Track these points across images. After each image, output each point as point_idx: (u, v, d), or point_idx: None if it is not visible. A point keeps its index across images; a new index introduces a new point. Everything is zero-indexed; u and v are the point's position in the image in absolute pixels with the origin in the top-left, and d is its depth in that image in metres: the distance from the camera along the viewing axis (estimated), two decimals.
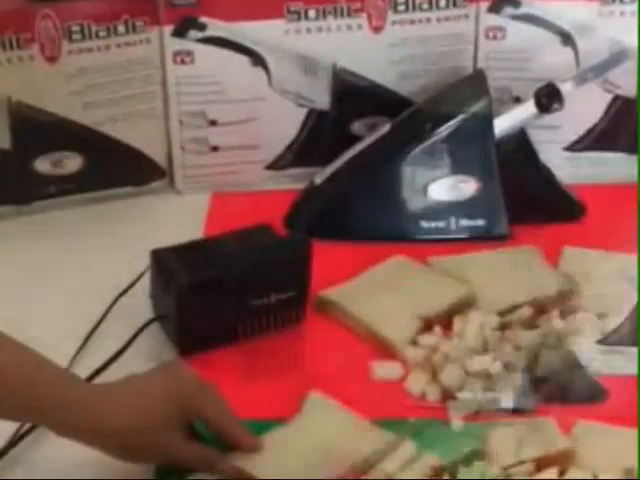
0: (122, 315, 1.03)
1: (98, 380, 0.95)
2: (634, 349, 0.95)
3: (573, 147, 1.27)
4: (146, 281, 1.03)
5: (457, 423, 0.90)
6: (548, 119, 1.21)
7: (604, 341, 0.96)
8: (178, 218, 1.21)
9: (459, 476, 0.86)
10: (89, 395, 0.83)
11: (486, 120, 1.14)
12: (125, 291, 1.04)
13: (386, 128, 1.16)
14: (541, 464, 0.86)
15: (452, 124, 1.14)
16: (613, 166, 1.27)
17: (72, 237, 1.17)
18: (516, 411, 0.91)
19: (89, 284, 1.08)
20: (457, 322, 1.01)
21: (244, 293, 0.94)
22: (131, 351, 0.99)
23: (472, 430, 0.90)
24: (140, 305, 1.03)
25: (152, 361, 0.96)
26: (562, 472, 0.86)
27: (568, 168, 1.26)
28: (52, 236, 1.18)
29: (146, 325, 1.00)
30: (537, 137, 1.20)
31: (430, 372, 0.96)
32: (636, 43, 1.17)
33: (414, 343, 1.00)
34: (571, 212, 1.19)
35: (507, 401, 0.91)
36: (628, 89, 1.23)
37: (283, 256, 0.94)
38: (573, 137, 1.26)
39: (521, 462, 0.86)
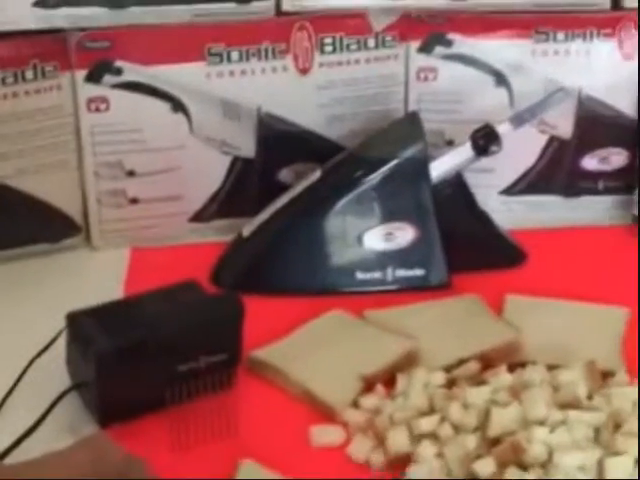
0: (36, 385, 0.95)
1: (10, 458, 0.86)
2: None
3: (509, 191, 1.22)
4: (63, 346, 0.95)
5: None
6: (482, 162, 1.16)
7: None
8: (96, 276, 1.13)
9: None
10: None
11: (421, 164, 1.08)
12: (35, 359, 0.95)
13: (316, 175, 1.10)
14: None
15: (386, 169, 1.07)
16: (550, 210, 1.23)
17: None
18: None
19: None
20: (400, 380, 0.94)
21: (170, 357, 0.86)
22: (47, 424, 0.90)
23: None
24: (56, 373, 0.94)
25: (70, 434, 0.88)
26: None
27: (504, 212, 1.21)
28: None
29: (62, 396, 0.92)
30: (471, 181, 1.15)
31: (374, 437, 0.89)
32: (570, 84, 1.14)
33: (355, 405, 0.93)
34: (512, 258, 1.14)
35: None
36: (564, 129, 1.19)
37: (212, 316, 0.86)
38: (508, 180, 1.22)
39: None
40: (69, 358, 0.93)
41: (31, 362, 0.95)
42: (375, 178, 1.08)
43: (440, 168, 1.09)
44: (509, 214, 1.22)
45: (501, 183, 1.22)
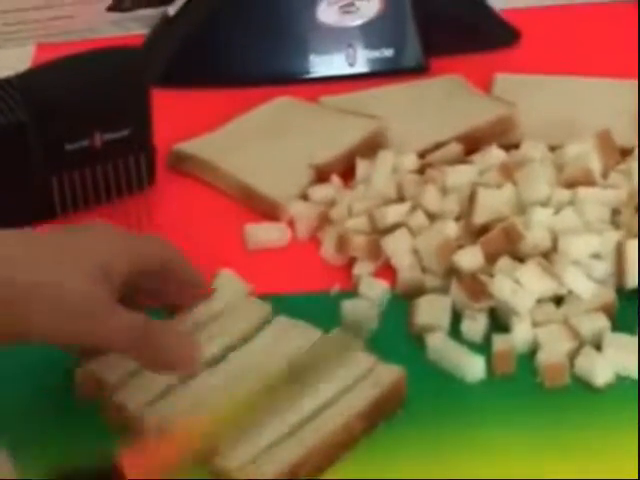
0: None
1: None
2: None
3: None
4: None
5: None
6: None
7: None
8: None
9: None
10: None
11: None
12: None
13: None
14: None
15: None
16: None
17: None
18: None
19: None
20: (361, 166, 0.74)
21: (54, 135, 0.65)
22: None
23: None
24: None
25: None
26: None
27: None
28: None
29: None
30: None
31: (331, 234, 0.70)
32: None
33: (304, 198, 0.73)
34: (502, 37, 0.93)
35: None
36: None
37: (102, 73, 0.66)
38: None
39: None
40: None
41: None
42: None
43: None
44: None
45: None
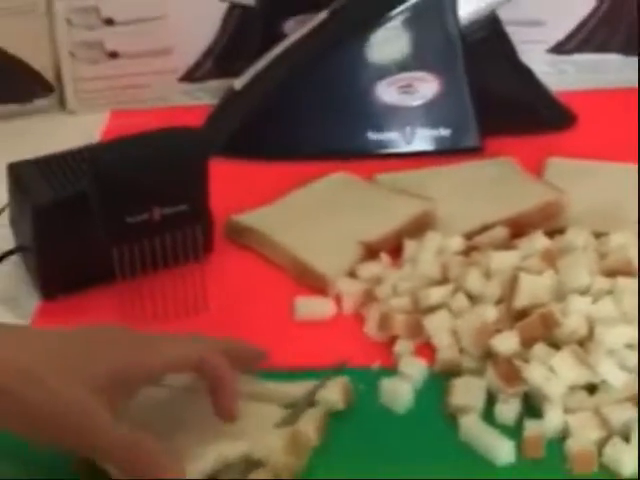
0: None
1: None
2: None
3: (559, 48, 1.03)
4: None
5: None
6: (528, 12, 0.98)
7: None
8: (70, 143, 0.95)
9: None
10: None
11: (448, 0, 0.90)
12: None
13: (322, 16, 0.93)
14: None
15: (404, 6, 0.89)
16: (607, 71, 1.04)
17: None
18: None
19: None
20: (408, 246, 0.77)
21: (115, 207, 0.69)
22: None
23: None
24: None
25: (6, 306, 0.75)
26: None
27: (553, 75, 1.02)
28: None
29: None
30: (514, 37, 0.96)
31: (375, 312, 0.72)
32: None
33: (352, 275, 0.76)
34: (558, 121, 0.95)
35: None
36: None
37: (167, 152, 0.69)
38: (559, 36, 1.03)
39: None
40: (12, 217, 0.78)
41: None
42: (391, 16, 0.90)
43: (469, 6, 0.91)
44: (559, 76, 1.03)
45: (550, 39, 1.03)
